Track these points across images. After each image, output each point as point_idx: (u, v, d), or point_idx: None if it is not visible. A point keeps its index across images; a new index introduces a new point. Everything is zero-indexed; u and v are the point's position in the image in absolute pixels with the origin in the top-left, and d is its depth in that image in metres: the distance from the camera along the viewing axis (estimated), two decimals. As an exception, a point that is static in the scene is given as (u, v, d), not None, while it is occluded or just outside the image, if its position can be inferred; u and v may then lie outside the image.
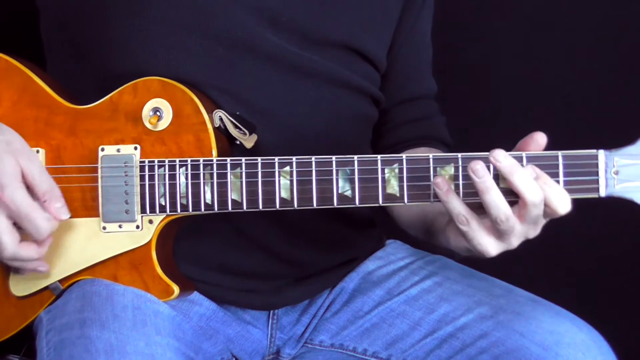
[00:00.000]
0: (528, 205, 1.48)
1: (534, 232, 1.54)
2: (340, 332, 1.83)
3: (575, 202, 1.52)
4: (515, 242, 1.53)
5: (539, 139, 1.52)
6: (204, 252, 1.72)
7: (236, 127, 1.64)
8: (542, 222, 1.53)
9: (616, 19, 2.49)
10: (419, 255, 1.88)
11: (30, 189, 1.55)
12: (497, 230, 1.51)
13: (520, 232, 1.52)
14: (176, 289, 1.62)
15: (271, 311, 1.82)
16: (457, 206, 1.51)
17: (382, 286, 1.83)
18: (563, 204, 1.50)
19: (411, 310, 1.78)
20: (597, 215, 2.18)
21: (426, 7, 1.91)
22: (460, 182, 1.53)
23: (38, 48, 1.81)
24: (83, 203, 1.62)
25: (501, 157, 1.49)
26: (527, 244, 1.59)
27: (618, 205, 1.54)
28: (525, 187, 1.48)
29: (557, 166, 1.51)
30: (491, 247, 1.53)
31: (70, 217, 1.61)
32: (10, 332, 1.67)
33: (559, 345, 1.60)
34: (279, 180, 1.58)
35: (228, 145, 1.65)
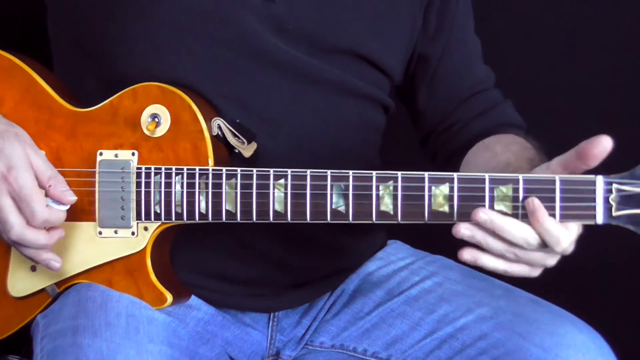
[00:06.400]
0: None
1: (550, 261, 1.53)
2: (340, 334, 1.82)
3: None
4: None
5: (605, 143, 1.44)
6: (205, 262, 1.72)
7: (235, 135, 1.62)
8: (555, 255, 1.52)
9: (616, 17, 2.45)
10: (419, 256, 1.87)
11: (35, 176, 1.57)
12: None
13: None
14: (169, 298, 1.61)
15: (271, 313, 1.82)
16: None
17: (382, 287, 1.82)
18: (556, 242, 1.47)
19: (411, 311, 1.77)
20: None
21: (460, 4, 1.87)
22: (455, 202, 1.50)
23: (46, 45, 1.80)
24: (80, 207, 1.62)
25: (485, 217, 1.48)
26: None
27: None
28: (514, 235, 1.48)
29: (553, 190, 1.47)
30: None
31: (68, 220, 1.61)
32: (8, 331, 1.68)
33: (559, 347, 1.59)
34: (274, 193, 1.56)
35: (227, 154, 1.64)
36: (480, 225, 1.48)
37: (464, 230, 1.48)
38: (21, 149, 1.57)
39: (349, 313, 1.82)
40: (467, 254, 1.49)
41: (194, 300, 1.73)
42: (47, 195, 1.57)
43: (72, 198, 1.58)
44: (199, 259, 1.71)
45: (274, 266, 1.74)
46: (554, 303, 1.70)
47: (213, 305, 1.76)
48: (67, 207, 1.59)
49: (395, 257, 1.86)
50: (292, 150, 1.68)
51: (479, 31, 1.93)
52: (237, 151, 1.63)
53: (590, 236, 2.41)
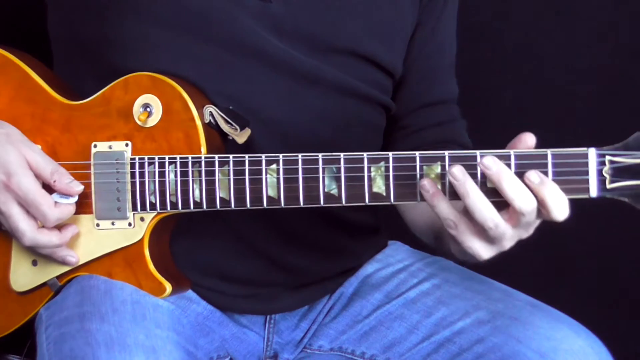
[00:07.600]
0: (518, 213, 1.44)
1: (526, 233, 1.49)
2: (339, 337, 1.81)
3: (575, 203, 1.46)
4: (507, 244, 1.49)
5: (527, 140, 1.47)
6: (203, 259, 1.71)
7: (227, 122, 1.61)
8: (536, 223, 1.49)
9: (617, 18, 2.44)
10: (418, 257, 1.85)
11: (37, 176, 1.58)
12: (487, 236, 1.47)
13: (512, 235, 1.48)
14: (168, 287, 1.61)
15: (268, 316, 1.81)
16: (444, 210, 1.48)
17: (381, 289, 1.80)
18: (561, 211, 1.44)
19: (409, 314, 1.76)
20: (599, 215, 2.12)
21: (449, 5, 1.84)
22: (447, 181, 1.48)
23: (46, 45, 1.80)
24: (78, 199, 1.62)
25: (490, 163, 1.44)
26: (530, 243, 1.54)
27: (619, 205, 1.47)
28: (515, 194, 1.43)
29: (546, 165, 1.45)
30: (482, 250, 1.49)
31: None
32: (11, 327, 1.69)
33: (555, 352, 1.57)
34: (266, 178, 1.56)
35: (220, 141, 1.63)
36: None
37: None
38: (16, 150, 1.57)
39: (347, 316, 1.81)
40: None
41: (193, 294, 1.73)
42: (53, 190, 1.58)
43: (79, 188, 1.59)
44: (198, 258, 1.71)
45: (272, 267, 1.74)
46: (554, 306, 1.67)
47: (211, 304, 1.75)
48: (76, 198, 1.60)
49: (393, 258, 1.85)
50: (288, 150, 1.65)
51: (479, 31, 1.91)
52: (230, 138, 1.62)
53: (591, 237, 2.41)
